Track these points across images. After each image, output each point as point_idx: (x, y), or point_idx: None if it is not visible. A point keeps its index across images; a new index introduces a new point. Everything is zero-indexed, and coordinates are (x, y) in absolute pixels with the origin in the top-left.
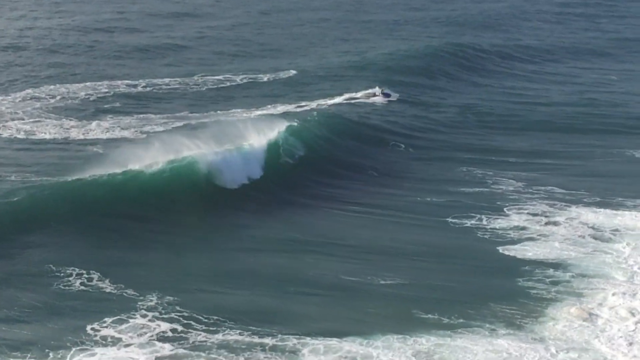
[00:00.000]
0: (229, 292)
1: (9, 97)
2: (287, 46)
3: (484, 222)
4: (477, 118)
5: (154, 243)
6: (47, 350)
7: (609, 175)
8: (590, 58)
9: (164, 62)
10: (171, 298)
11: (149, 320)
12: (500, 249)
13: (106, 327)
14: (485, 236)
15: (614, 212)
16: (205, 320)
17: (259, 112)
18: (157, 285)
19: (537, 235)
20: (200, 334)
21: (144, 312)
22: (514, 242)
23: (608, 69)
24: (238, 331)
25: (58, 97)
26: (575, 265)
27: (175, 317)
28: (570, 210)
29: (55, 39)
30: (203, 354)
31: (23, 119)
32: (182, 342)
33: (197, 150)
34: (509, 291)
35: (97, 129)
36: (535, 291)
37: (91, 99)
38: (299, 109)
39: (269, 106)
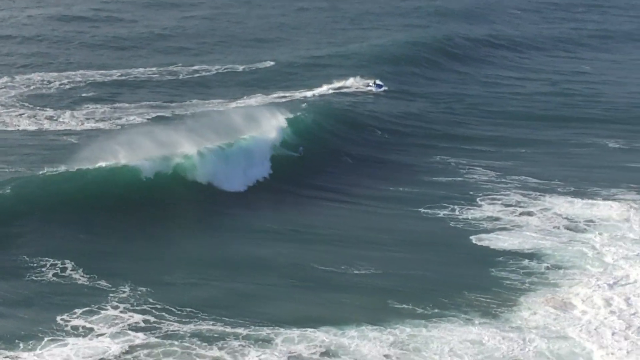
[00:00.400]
0: (202, 283)
1: None
2: (268, 36)
3: (457, 213)
4: (454, 107)
5: (131, 235)
6: (17, 341)
7: (583, 164)
8: (567, 49)
9: (140, 52)
10: (144, 289)
11: (121, 312)
12: (474, 239)
13: (76, 317)
14: (459, 226)
15: (589, 202)
16: (178, 312)
17: (236, 103)
18: (131, 276)
19: (511, 226)
20: (172, 324)
21: (115, 303)
22: (487, 232)
23: (583, 60)
24: (211, 322)
25: (32, 87)
26: (549, 255)
27: (148, 308)
28: (544, 201)
29: (32, 28)
30: (176, 343)
31: None
32: (155, 331)
33: (171, 144)
34: (483, 281)
35: (72, 120)
36: (509, 281)
37: (66, 87)
38: (280, 99)
39: (247, 97)
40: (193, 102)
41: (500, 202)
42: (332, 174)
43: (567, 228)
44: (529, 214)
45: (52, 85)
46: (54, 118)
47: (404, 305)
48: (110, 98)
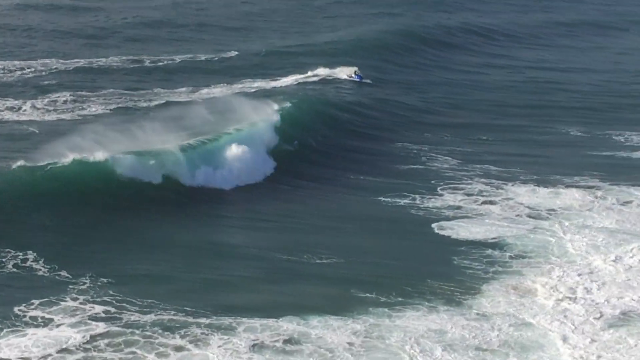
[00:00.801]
0: (164, 274)
1: None
2: (234, 25)
3: (417, 202)
4: (419, 94)
5: (95, 227)
6: None
7: (546, 152)
8: (533, 37)
9: (104, 41)
10: (105, 280)
11: (80, 303)
12: (436, 227)
13: (34, 308)
14: (420, 214)
15: (551, 190)
16: (139, 302)
17: (199, 93)
18: (92, 268)
19: (474, 214)
20: (133, 314)
21: (74, 295)
22: (449, 219)
23: (547, 47)
24: (172, 312)
25: None
26: (512, 244)
27: (108, 299)
28: (507, 189)
29: None
30: (137, 332)
31: None
32: (115, 321)
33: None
34: (446, 269)
35: (34, 110)
36: (472, 270)
37: (28, 77)
38: (247, 89)
39: (212, 86)
40: (156, 90)
41: (462, 191)
42: (292, 163)
43: (530, 216)
44: (492, 202)
45: (13, 74)
46: (15, 109)
47: (367, 294)
48: (74, 87)
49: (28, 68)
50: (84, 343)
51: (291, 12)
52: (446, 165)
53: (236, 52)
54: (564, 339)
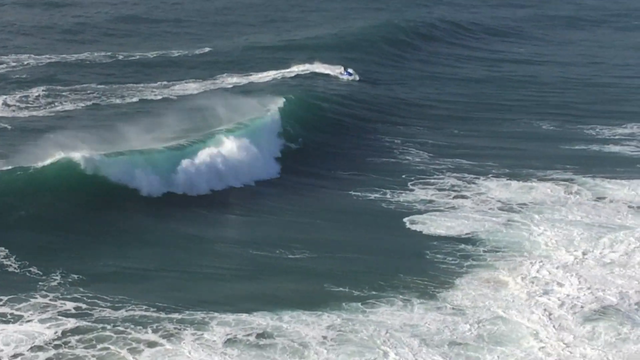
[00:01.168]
0: (135, 270)
1: None
2: (210, 21)
3: (388, 196)
4: (393, 87)
5: (66, 224)
6: None
7: (518, 146)
8: (506, 31)
9: (76, 37)
10: (75, 277)
11: (51, 300)
12: (407, 222)
13: (2, 305)
14: (391, 207)
15: (523, 183)
16: (110, 299)
17: (172, 89)
18: (63, 265)
19: (446, 208)
20: (105, 310)
21: (44, 292)
22: (421, 214)
23: (520, 42)
24: (144, 307)
25: None
26: (485, 238)
27: (79, 296)
28: (479, 183)
29: None
30: (109, 327)
31: None
32: (87, 317)
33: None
34: (420, 263)
35: (4, 107)
36: (445, 264)
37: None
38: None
39: (185, 82)
40: (129, 86)
41: (434, 186)
42: (266, 156)
43: (503, 210)
44: (464, 197)
45: None
46: None
47: (341, 289)
48: (47, 83)
49: (0, 64)
50: (54, 339)
51: (268, 7)
52: (418, 159)
53: (210, 48)
54: (538, 333)
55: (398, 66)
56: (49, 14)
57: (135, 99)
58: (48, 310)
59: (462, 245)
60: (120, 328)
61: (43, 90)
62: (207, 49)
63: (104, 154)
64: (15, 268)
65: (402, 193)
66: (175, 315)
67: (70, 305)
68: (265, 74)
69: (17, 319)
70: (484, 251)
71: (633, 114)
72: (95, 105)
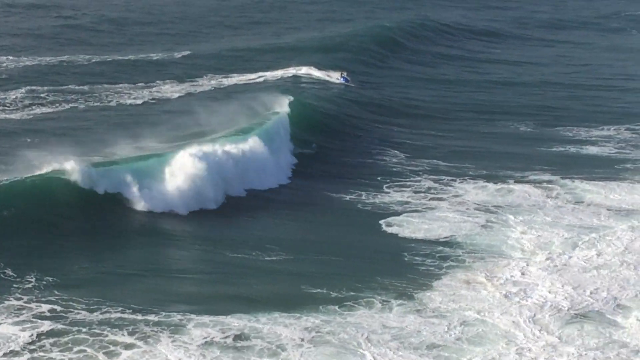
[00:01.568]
0: (110, 272)
1: None
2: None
3: (364, 197)
4: (373, 89)
5: (42, 227)
6: None
7: (494, 148)
8: (486, 34)
9: (55, 40)
10: (50, 279)
11: (25, 302)
12: (384, 224)
13: None
14: (367, 209)
15: (501, 186)
16: (86, 301)
17: (149, 91)
18: (37, 267)
19: (423, 209)
20: (80, 313)
21: (18, 295)
22: (398, 215)
23: (498, 44)
24: (120, 309)
25: None
26: (463, 241)
27: (54, 299)
28: (456, 185)
29: None
30: (84, 330)
31: None
32: (62, 320)
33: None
34: (398, 265)
35: None
36: (424, 266)
37: None
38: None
39: (162, 83)
40: (106, 87)
41: (410, 188)
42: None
43: (481, 211)
44: (440, 198)
45: None
46: None
47: (318, 290)
48: (24, 85)
49: None
50: (29, 343)
51: (242, 15)
52: (395, 160)
53: (189, 52)
54: (517, 335)
55: (378, 66)
56: (28, 16)
57: (114, 102)
58: (23, 313)
59: (440, 248)
60: (96, 330)
61: (22, 93)
62: (186, 52)
63: (82, 158)
64: None
65: (377, 195)
66: (152, 317)
67: (45, 308)
68: (246, 76)
69: None
70: (463, 253)
71: (610, 115)
72: (74, 109)
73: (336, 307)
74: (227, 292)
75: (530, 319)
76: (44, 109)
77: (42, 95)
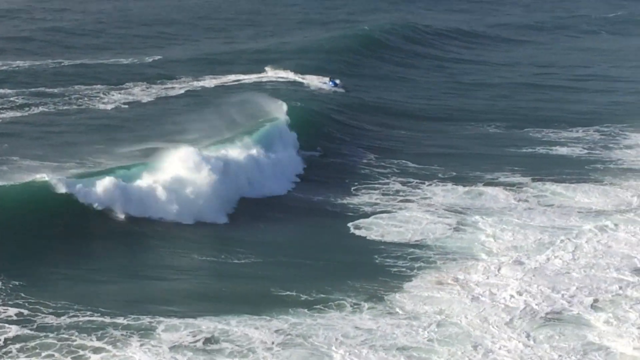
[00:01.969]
0: (77, 275)
1: None
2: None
3: (332, 199)
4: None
5: (7, 230)
6: None
7: (464, 149)
8: (460, 36)
9: (23, 45)
10: (16, 282)
11: None
12: (352, 226)
13: None
14: (336, 210)
15: (471, 187)
16: (53, 305)
17: (119, 93)
18: (3, 270)
19: (393, 210)
20: (47, 317)
21: None
22: (367, 217)
23: (473, 47)
24: (88, 313)
25: None
26: (433, 243)
27: (20, 302)
28: (424, 188)
29: None
30: (52, 334)
31: None
32: (28, 324)
33: None
34: (368, 267)
35: None
36: (395, 268)
37: None
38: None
39: (127, 89)
40: (75, 87)
41: (378, 190)
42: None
43: (450, 214)
44: (410, 200)
45: None
46: None
47: (288, 293)
48: None
49: None
50: None
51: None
52: (365, 160)
53: (160, 57)
54: (491, 337)
55: (353, 68)
56: None
57: (83, 106)
58: None
59: (411, 250)
60: (65, 335)
61: None
62: (157, 57)
63: (54, 164)
64: None
65: (346, 197)
66: (121, 321)
67: (11, 312)
68: (212, 80)
69: None
70: (433, 255)
71: (579, 116)
72: (43, 113)
73: (306, 310)
74: (196, 295)
75: (501, 321)
76: (14, 113)
77: (11, 98)
